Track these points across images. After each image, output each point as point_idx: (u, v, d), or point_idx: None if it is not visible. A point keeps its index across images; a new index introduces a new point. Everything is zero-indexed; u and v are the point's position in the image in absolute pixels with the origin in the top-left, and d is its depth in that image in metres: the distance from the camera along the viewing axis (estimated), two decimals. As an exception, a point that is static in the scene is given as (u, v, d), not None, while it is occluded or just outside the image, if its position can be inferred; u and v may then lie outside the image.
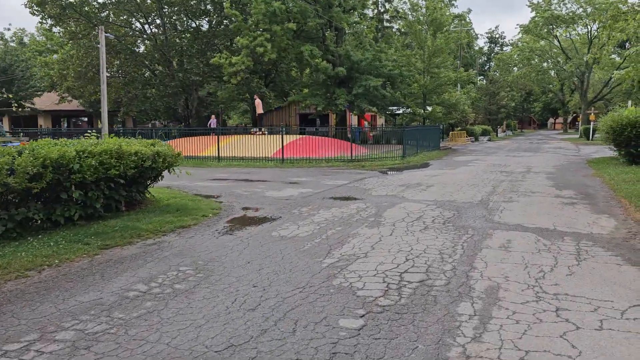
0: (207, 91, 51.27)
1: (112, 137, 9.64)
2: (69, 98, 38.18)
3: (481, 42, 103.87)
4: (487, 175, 16.20)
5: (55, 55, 39.52)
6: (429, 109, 33.99)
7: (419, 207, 10.05)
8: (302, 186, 13.69)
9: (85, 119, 52.46)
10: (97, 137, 9.14)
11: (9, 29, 63.40)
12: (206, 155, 23.49)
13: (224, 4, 29.55)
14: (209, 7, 35.57)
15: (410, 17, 35.58)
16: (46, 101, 44.76)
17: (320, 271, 5.84)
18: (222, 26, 35.59)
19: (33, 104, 41.27)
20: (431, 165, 20.16)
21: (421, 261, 6.23)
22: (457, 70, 34.67)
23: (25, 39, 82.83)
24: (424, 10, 33.90)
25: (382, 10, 55.21)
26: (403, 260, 6.28)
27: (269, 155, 23.11)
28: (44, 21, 31.64)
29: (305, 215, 9.37)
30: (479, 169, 18.45)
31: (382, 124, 40.42)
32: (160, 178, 10.13)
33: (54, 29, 34.50)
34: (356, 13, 36.09)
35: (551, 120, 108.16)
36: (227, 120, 62.02)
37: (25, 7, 30.42)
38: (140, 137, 11.03)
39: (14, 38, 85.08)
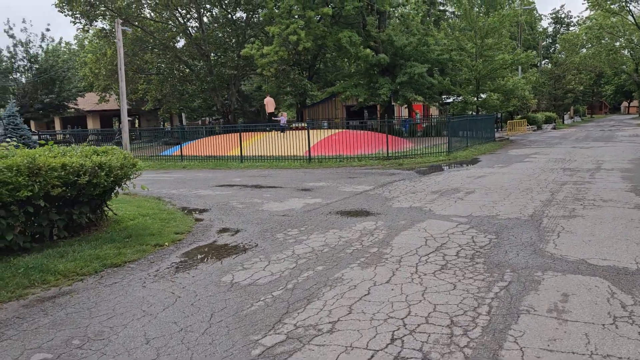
0: (256, 85, 49.96)
1: (51, 145, 7.78)
2: (107, 97, 37.62)
3: (545, 24, 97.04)
4: (545, 175, 13.31)
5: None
6: (483, 96, 30.70)
7: (445, 228, 7.57)
8: (313, 194, 11.43)
9: (131, 119, 52.41)
10: (15, 147, 7.26)
11: (48, 29, 64.36)
12: (231, 155, 21.64)
13: (254, -10, 27.59)
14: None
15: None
16: (91, 101, 44.76)
17: (243, 367, 3.61)
18: (257, 16, 33.77)
19: (76, 104, 41.16)
20: (480, 162, 17.35)
21: (415, 344, 3.87)
22: (514, 52, 31.06)
23: (86, 42, 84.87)
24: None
25: (434, -7, 51.76)
26: (387, 341, 3.94)
27: (300, 154, 20.98)
28: (76, 20, 30.86)
29: (290, 242, 7.14)
30: (537, 166, 15.50)
31: (431, 115, 37.51)
32: (114, 194, 8.17)
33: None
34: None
35: (625, 103, 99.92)
36: (278, 115, 60.52)
37: (56, 7, 29.77)
38: (89, 143, 9.10)
39: (75, 41, 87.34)
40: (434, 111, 42.10)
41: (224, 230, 8.15)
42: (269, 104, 27.17)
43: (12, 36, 38.53)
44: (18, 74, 39.34)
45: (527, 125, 39.69)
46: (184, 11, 34.63)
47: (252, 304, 4.83)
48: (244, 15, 35.78)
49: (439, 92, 33.06)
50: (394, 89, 29.28)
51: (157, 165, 21.06)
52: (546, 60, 77.99)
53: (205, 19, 36.09)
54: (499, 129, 36.74)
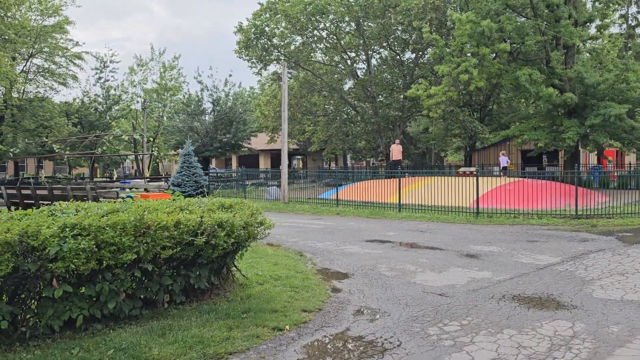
0: (423, 127, 48.43)
1: (177, 195, 6.95)
2: (275, 138, 39.14)
3: None
4: None
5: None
6: None
7: (690, 351, 4.95)
8: (481, 264, 9.20)
9: (299, 157, 54.17)
10: (123, 200, 6.48)
11: (230, 75, 70.97)
12: (389, 202, 20.03)
13: (423, 29, 26.22)
14: (414, 36, 32.70)
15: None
16: (262, 141, 47.15)
17: None
18: (426, 55, 32.37)
19: (249, 144, 43.59)
20: None
21: None
22: None
23: (267, 86, 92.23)
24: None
25: (632, 25, 45.48)
26: None
27: (466, 205, 18.57)
28: (253, 65, 32.60)
29: (445, 345, 5.18)
30: None
31: (630, 163, 32.05)
32: (238, 256, 7.02)
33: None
34: (593, 26, 29.22)
35: None
36: (446, 158, 57.82)
37: (235, 53, 31.81)
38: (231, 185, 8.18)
39: (258, 85, 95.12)
40: (630, 158, 36.13)
41: (362, 310, 6.47)
42: (394, 151, 25.70)
43: (200, 82, 42.41)
44: (203, 116, 43.05)
45: None
46: (352, 54, 34.77)
47: None
48: (412, 55, 34.68)
49: (642, 137, 27.95)
50: (582, 132, 25.32)
51: (312, 209, 20.33)
52: None
53: (373, 61, 35.82)
54: None
